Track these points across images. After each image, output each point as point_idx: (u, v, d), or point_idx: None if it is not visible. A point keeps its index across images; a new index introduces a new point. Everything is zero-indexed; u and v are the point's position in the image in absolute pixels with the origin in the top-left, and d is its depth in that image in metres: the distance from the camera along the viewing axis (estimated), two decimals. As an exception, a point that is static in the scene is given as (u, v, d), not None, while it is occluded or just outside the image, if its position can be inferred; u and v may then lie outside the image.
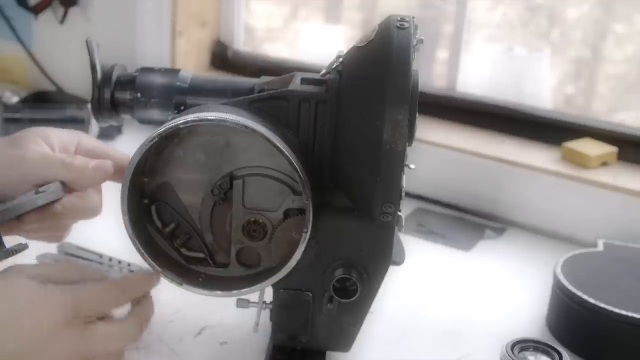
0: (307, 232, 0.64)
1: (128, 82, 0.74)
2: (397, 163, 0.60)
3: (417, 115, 0.64)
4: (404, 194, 0.63)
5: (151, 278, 0.70)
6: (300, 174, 0.63)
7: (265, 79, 0.73)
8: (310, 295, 0.70)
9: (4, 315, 0.59)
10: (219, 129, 0.67)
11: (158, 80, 0.73)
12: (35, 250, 0.93)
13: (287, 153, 0.62)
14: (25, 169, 0.69)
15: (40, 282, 0.62)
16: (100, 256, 0.92)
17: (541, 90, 1.79)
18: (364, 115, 0.61)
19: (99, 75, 0.73)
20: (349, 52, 0.67)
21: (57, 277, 0.64)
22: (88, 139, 0.77)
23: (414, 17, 0.64)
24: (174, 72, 0.74)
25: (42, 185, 0.70)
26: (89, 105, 0.77)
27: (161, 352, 0.79)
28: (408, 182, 0.65)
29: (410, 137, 0.62)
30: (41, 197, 0.69)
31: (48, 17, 1.61)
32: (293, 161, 0.62)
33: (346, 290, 0.68)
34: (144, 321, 0.69)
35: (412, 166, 0.67)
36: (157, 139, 0.63)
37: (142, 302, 0.69)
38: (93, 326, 0.63)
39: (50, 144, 0.73)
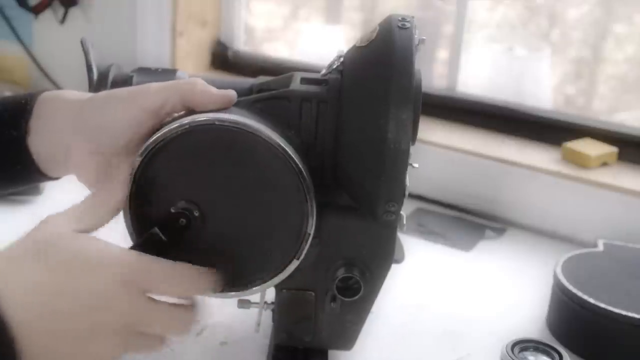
0: (309, 232, 0.64)
1: (124, 82, 0.73)
2: (402, 161, 0.60)
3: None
4: (407, 193, 0.63)
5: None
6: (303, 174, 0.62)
7: (262, 78, 0.73)
8: (313, 294, 0.70)
9: (75, 270, 0.55)
10: None
11: (154, 80, 0.73)
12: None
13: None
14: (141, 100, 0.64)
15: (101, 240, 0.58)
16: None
17: (541, 90, 1.79)
18: (367, 114, 0.61)
19: (95, 75, 0.73)
20: (349, 52, 0.67)
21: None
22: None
23: (413, 17, 0.64)
24: (170, 72, 0.74)
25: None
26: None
27: (161, 351, 0.78)
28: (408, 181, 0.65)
29: (413, 135, 0.62)
30: None
31: (48, 17, 1.61)
32: (297, 161, 0.62)
33: (349, 289, 0.68)
34: (197, 316, 0.63)
35: (416, 165, 0.67)
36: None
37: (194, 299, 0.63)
38: (148, 298, 0.58)
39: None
